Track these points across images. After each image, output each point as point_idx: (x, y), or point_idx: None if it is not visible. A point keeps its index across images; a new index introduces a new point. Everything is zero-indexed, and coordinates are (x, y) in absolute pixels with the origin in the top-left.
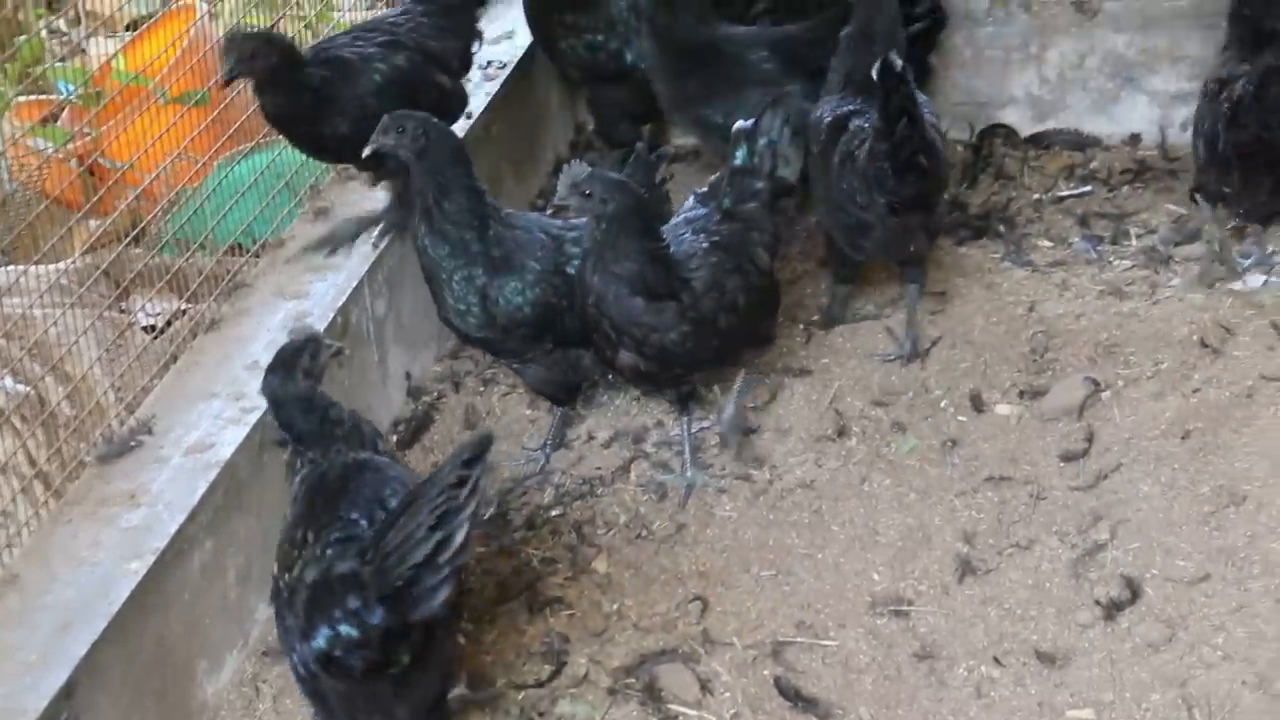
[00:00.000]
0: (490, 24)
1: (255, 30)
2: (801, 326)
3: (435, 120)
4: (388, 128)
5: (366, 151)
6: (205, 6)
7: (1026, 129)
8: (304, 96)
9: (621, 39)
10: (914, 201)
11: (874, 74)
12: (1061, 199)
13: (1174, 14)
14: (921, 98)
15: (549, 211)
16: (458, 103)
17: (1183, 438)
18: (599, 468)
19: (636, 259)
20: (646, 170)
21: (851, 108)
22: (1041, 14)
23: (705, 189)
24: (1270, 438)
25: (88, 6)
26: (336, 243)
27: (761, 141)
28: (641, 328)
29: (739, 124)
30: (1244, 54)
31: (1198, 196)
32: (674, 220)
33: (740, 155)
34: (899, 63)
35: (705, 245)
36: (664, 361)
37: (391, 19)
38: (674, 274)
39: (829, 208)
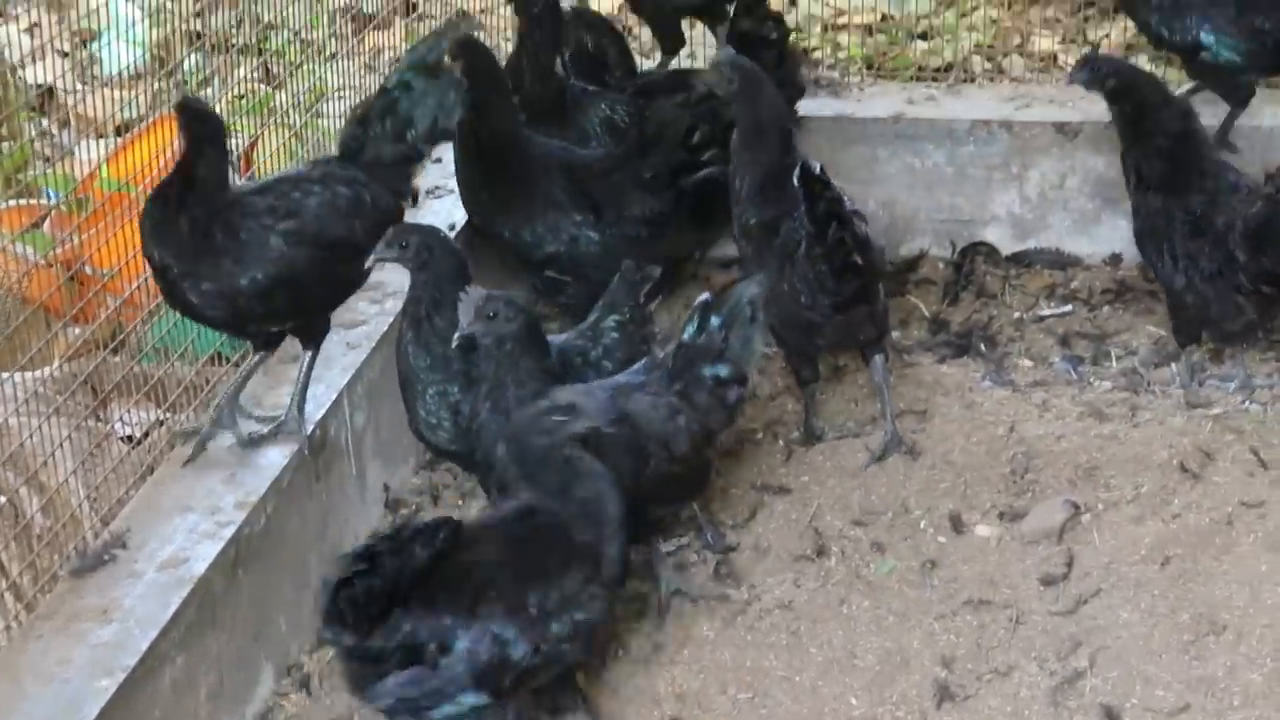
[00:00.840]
0: None
1: None
2: (781, 444)
3: (440, 235)
4: (391, 242)
5: (369, 264)
6: None
7: (1008, 247)
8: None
9: None
10: (857, 297)
11: (794, 181)
12: (1043, 318)
13: None
14: (839, 190)
15: (454, 345)
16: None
17: (1162, 564)
18: None
19: (538, 379)
20: (630, 290)
21: (775, 211)
22: (1023, 134)
23: (655, 359)
24: (1250, 566)
25: (78, 110)
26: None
27: (714, 321)
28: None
29: (702, 296)
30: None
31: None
32: (609, 380)
33: (690, 331)
34: (816, 166)
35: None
36: None
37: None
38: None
39: (774, 311)
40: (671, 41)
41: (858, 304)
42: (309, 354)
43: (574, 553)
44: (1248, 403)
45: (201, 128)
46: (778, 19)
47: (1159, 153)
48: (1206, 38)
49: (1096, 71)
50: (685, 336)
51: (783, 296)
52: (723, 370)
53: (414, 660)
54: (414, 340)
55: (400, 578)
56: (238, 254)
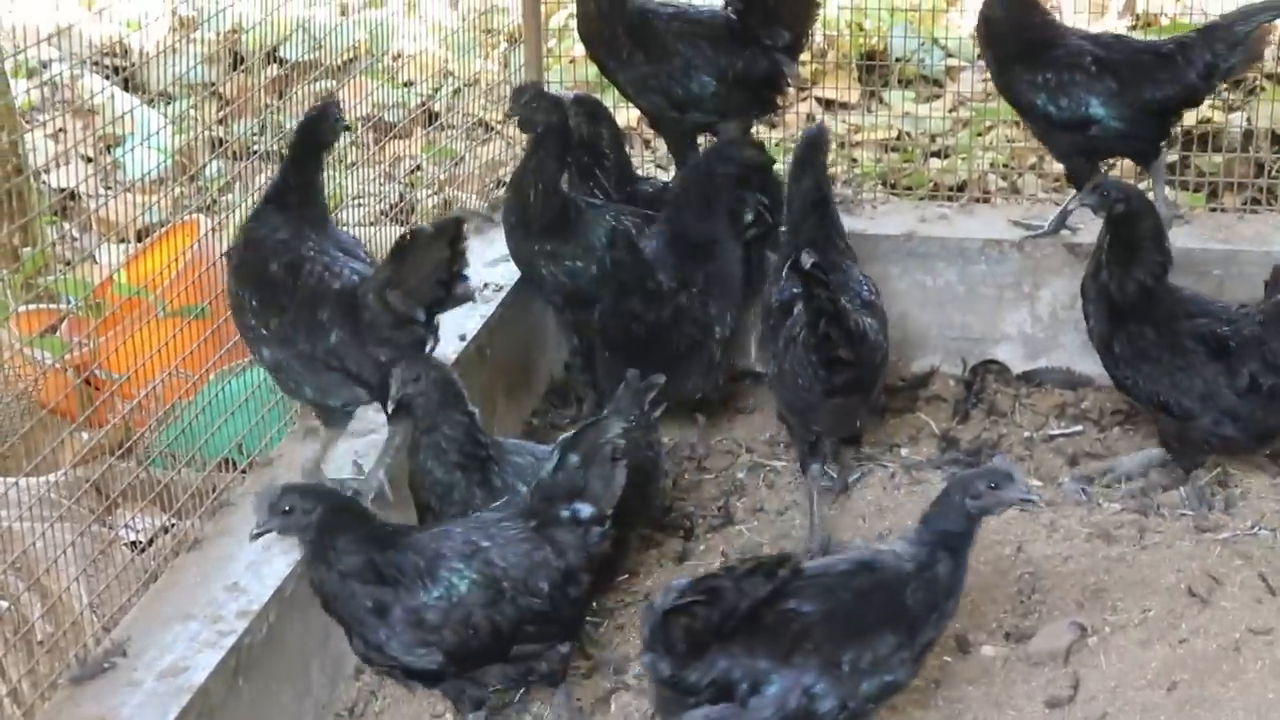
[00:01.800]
0: (487, 247)
1: None
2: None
3: (434, 367)
4: (405, 380)
5: (391, 407)
6: (208, 222)
7: (1018, 366)
8: None
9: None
10: (848, 387)
11: (790, 272)
12: (1052, 438)
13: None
14: (858, 276)
15: (251, 538)
16: None
17: (1169, 689)
18: (579, 698)
19: (359, 552)
20: (636, 398)
21: (796, 290)
22: (1034, 254)
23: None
24: (1257, 693)
25: (99, 214)
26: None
27: (573, 459)
28: (366, 626)
29: (563, 435)
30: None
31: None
32: (471, 518)
33: (548, 468)
34: (808, 262)
35: (457, 570)
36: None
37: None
38: (407, 565)
39: (778, 388)
40: (686, 156)
41: (850, 393)
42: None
43: (894, 615)
44: (1257, 528)
45: None
46: (761, 147)
47: (1140, 285)
48: (1096, 111)
49: (1106, 196)
50: (543, 474)
51: (785, 376)
52: (583, 510)
53: (724, 697)
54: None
55: (734, 613)
56: None
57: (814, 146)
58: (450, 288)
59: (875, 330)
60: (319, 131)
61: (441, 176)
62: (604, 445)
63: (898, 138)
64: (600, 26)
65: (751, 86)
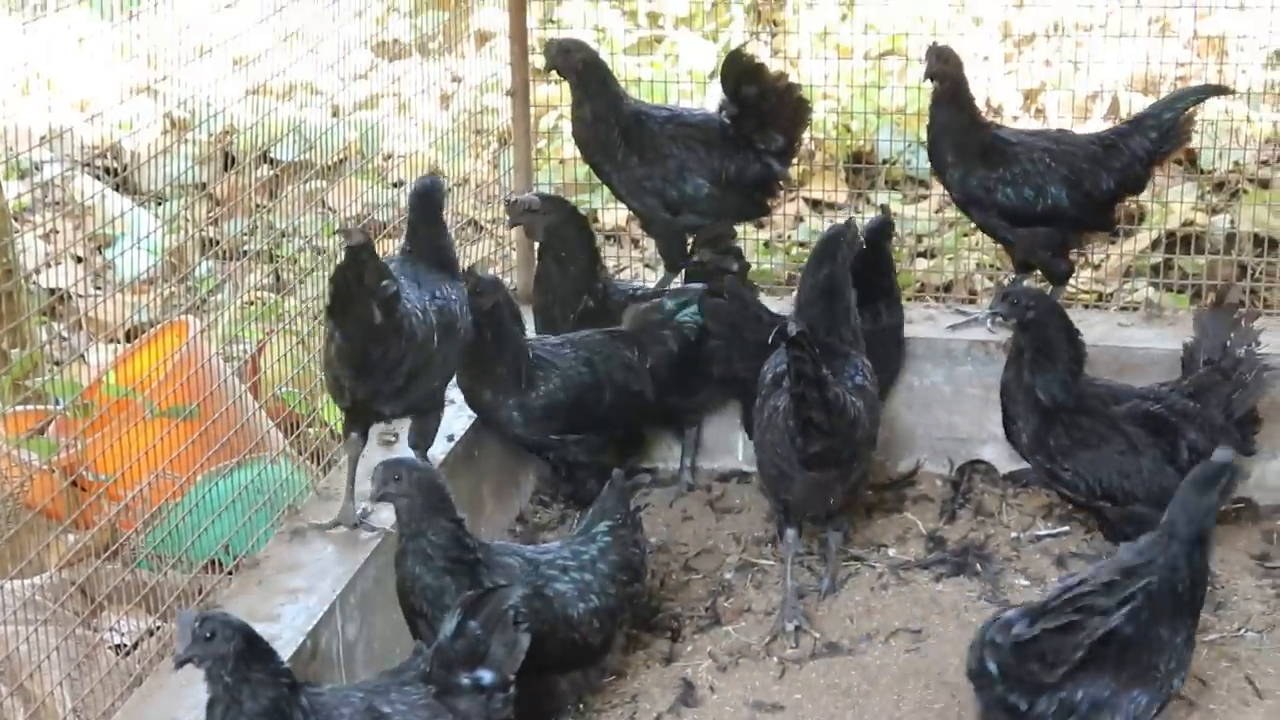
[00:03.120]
0: None
1: None
2: (776, 659)
3: (417, 469)
4: (387, 479)
5: (375, 504)
6: (197, 323)
7: (1005, 466)
8: None
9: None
10: (823, 457)
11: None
12: (1039, 538)
13: (1148, 359)
14: (857, 363)
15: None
16: None
17: None
18: None
19: (275, 685)
20: (621, 497)
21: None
22: None
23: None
24: None
25: (89, 314)
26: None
27: (472, 624)
28: None
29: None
30: None
31: None
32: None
33: (446, 633)
34: (794, 329)
35: None
36: None
37: None
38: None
39: (759, 458)
40: (677, 258)
41: (826, 465)
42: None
43: (1178, 611)
44: (1244, 630)
45: None
46: (738, 253)
47: (1064, 383)
48: (1058, 193)
49: (1016, 304)
50: (441, 639)
51: (764, 447)
52: (485, 677)
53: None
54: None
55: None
56: None
57: (834, 241)
58: None
59: (858, 408)
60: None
61: None
62: (506, 610)
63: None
64: (595, 130)
65: (744, 190)
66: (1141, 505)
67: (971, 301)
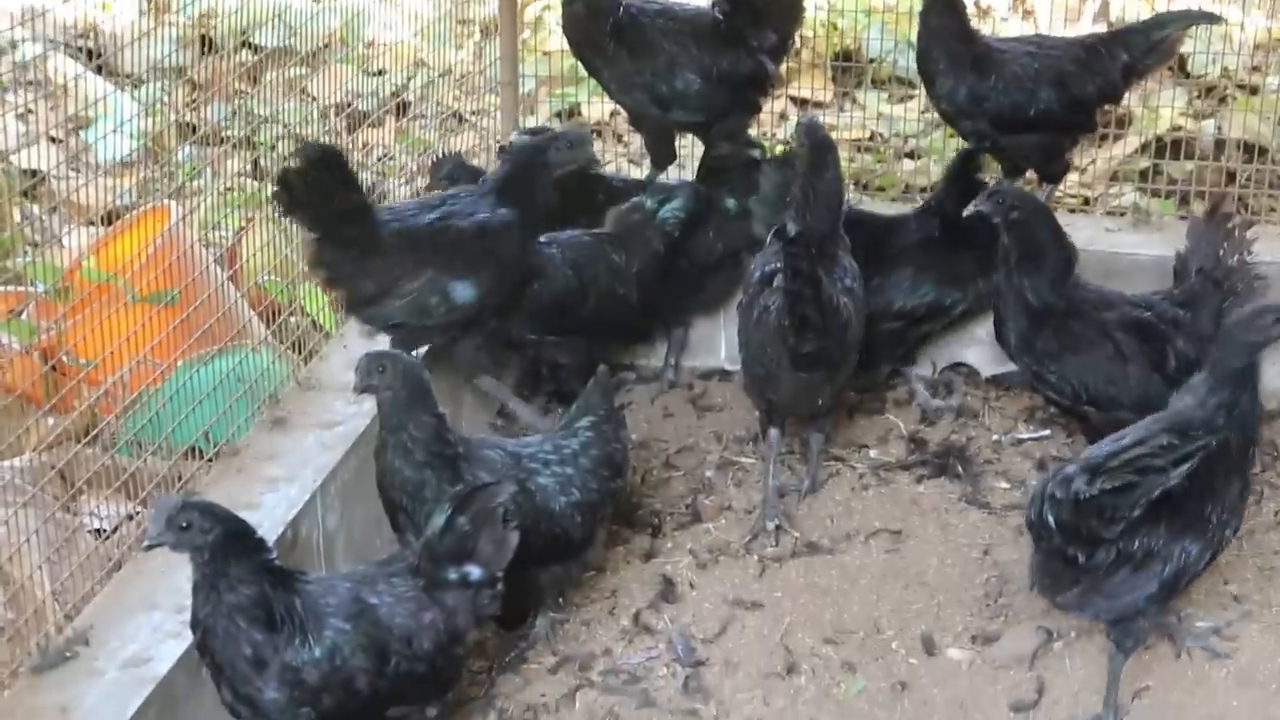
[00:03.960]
0: None
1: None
2: (755, 558)
3: (401, 359)
4: (370, 371)
5: (356, 393)
6: (178, 209)
7: (988, 369)
8: None
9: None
10: (813, 359)
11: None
12: (1020, 441)
13: (1135, 265)
14: (845, 264)
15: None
16: None
17: (1134, 695)
18: (544, 694)
19: (253, 582)
20: (604, 393)
21: (777, 265)
22: None
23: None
24: (1221, 701)
25: (68, 197)
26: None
27: (461, 520)
28: (238, 676)
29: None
30: None
31: None
32: (356, 570)
33: (434, 528)
34: (793, 229)
35: (343, 631)
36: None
37: None
38: (295, 611)
39: (745, 360)
40: (664, 156)
41: (815, 366)
42: None
43: (1231, 463)
44: None
45: None
46: (759, 144)
47: (1053, 283)
48: (1049, 98)
49: (1000, 204)
50: (430, 533)
51: (752, 347)
52: (473, 573)
53: (1115, 571)
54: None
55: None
56: None
57: (833, 147)
58: None
59: (849, 309)
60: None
61: (414, 166)
62: (495, 508)
63: (871, 138)
64: (586, 24)
65: (735, 87)
66: (1127, 412)
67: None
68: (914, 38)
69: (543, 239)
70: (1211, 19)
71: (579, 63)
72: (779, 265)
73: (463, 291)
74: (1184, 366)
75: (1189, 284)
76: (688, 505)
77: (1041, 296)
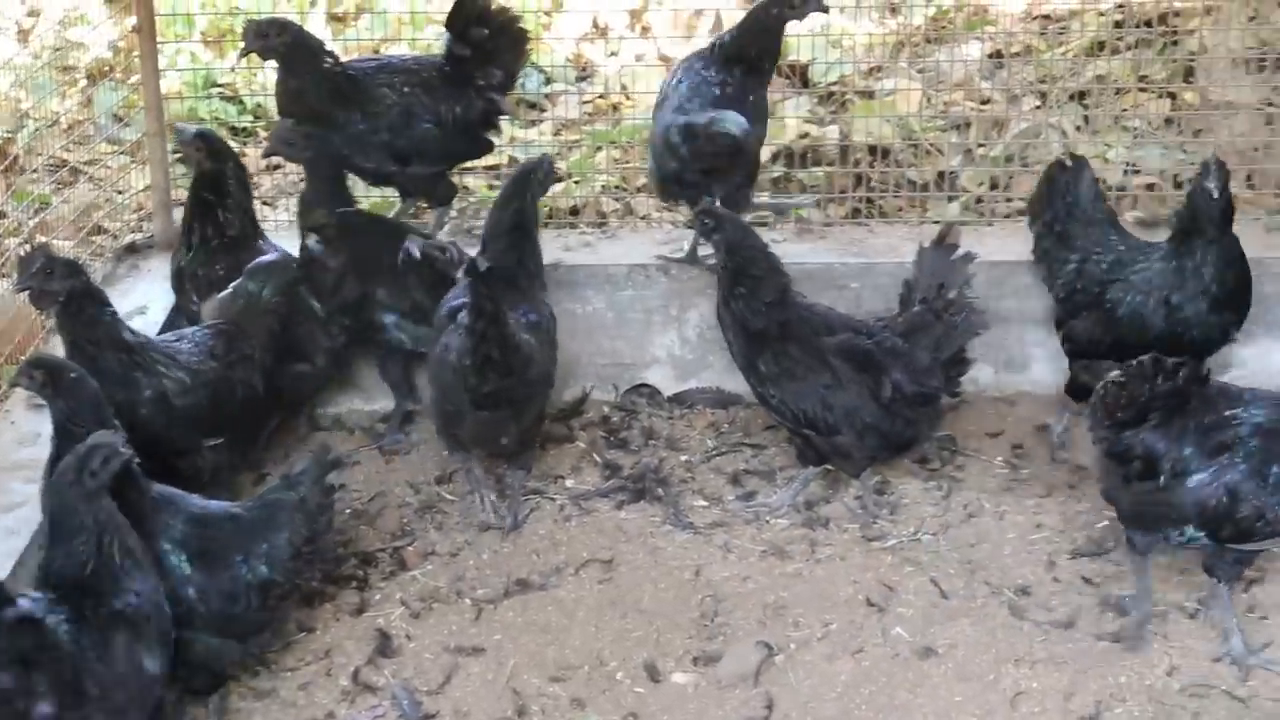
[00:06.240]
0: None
1: None
2: (469, 601)
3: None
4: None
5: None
6: None
7: (670, 388)
8: None
9: None
10: (495, 397)
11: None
12: (710, 457)
13: (803, 273)
14: (538, 299)
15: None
16: None
17: (859, 701)
18: None
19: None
20: (320, 471)
21: (465, 300)
22: (679, 277)
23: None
24: (944, 697)
25: None
26: None
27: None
28: None
29: None
30: None
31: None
32: None
33: None
34: (483, 264)
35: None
36: None
37: None
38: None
39: (433, 395)
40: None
41: (498, 405)
42: None
43: None
44: (920, 534)
45: None
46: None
47: (770, 306)
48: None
49: (704, 224)
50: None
51: (437, 381)
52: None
53: (1150, 475)
54: None
55: (1157, 391)
56: None
57: (525, 178)
58: None
59: (532, 347)
60: None
61: (31, 223)
62: None
63: (509, 163)
64: (306, 100)
65: (470, 129)
66: (845, 437)
67: (601, 225)
68: (538, 60)
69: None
70: None
71: None
72: (465, 301)
73: None
74: (899, 395)
75: (910, 313)
76: (391, 554)
77: (758, 317)
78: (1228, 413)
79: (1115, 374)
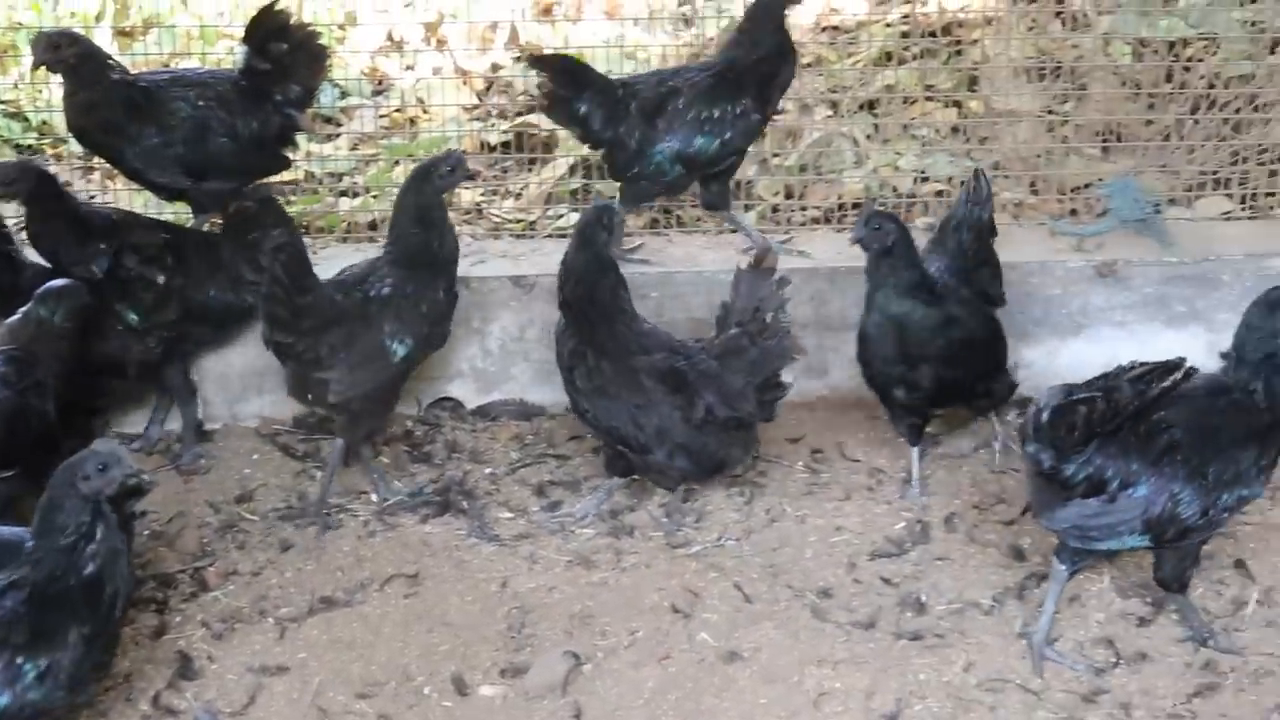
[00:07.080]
0: None
1: None
2: (272, 621)
3: None
4: None
5: None
6: None
7: (473, 401)
8: None
9: None
10: (282, 349)
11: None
12: (514, 469)
13: None
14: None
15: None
16: None
17: (667, 707)
18: None
19: None
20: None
21: None
22: (481, 289)
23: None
24: (749, 700)
25: None
26: None
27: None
28: None
29: None
30: None
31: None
32: None
33: None
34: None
35: None
36: None
37: None
38: None
39: None
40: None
41: (286, 356)
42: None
43: (1252, 431)
44: (723, 540)
45: None
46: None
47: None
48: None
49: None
50: None
51: None
52: None
53: (1096, 493)
54: None
55: (1120, 412)
56: None
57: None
58: None
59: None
60: None
61: None
62: None
63: (306, 178)
64: (99, 112)
65: (266, 145)
66: (657, 456)
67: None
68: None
69: None
70: None
71: (91, 151)
72: None
73: None
74: (710, 417)
75: (726, 337)
76: (191, 575)
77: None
78: (1155, 416)
79: (1062, 398)
